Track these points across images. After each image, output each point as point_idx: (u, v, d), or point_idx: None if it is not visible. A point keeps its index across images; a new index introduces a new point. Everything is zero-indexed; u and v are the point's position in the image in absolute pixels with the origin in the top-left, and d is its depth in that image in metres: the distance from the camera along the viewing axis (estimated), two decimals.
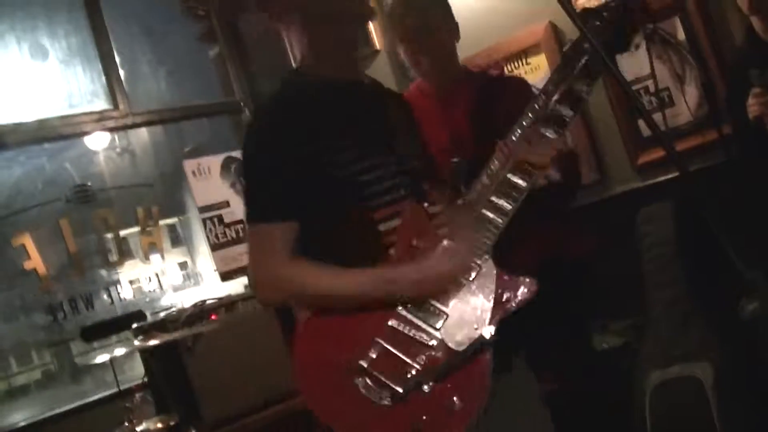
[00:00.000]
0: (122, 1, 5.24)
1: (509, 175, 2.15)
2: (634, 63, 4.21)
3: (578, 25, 2.04)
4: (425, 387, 1.96)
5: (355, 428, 1.98)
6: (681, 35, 4.12)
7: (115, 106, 5.06)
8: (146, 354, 3.92)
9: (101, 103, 5.07)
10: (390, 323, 2.03)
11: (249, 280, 2.22)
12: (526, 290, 2.08)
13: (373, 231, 2.14)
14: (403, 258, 2.13)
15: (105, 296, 5.09)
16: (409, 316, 2.04)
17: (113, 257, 5.09)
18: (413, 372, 1.98)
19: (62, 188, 5.06)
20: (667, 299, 3.89)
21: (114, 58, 5.10)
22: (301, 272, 2.10)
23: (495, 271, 2.08)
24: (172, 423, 3.55)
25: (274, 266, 2.10)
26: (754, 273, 2.41)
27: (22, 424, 4.39)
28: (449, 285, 2.06)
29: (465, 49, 4.64)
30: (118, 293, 5.13)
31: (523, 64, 4.52)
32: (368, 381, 1.97)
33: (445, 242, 2.12)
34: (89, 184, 5.10)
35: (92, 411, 4.46)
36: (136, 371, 4.42)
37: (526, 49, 4.49)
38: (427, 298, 2.06)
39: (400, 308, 2.05)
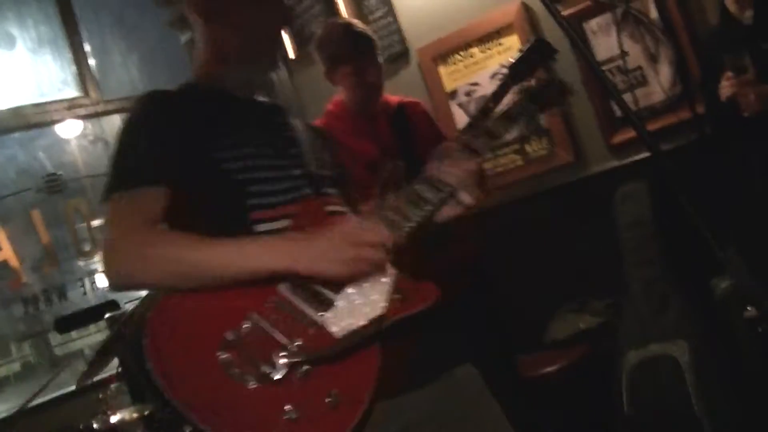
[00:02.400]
0: None
1: (417, 187, 2.13)
2: (607, 42, 4.21)
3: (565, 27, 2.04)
4: (297, 370, 1.72)
5: (217, 414, 1.62)
6: (654, 14, 4.11)
7: (86, 94, 5.01)
8: (119, 344, 3.87)
9: (72, 91, 5.03)
10: (269, 300, 1.81)
11: (103, 256, 1.87)
12: (425, 297, 1.94)
13: (250, 233, 1.95)
14: None
15: (80, 287, 5.04)
16: (291, 297, 1.84)
17: (87, 247, 5.04)
18: (284, 353, 1.73)
19: (35, 178, 5.01)
20: (644, 279, 3.90)
21: (83, 45, 5.06)
22: (172, 243, 1.86)
23: (394, 273, 1.94)
24: (146, 413, 3.52)
25: (134, 235, 1.85)
26: (727, 252, 2.42)
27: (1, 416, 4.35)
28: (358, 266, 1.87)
29: (437, 31, 4.66)
30: (93, 284, 5.08)
31: (495, 44, 4.50)
32: (234, 357, 1.69)
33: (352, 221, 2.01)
34: (61, 173, 5.05)
35: (69, 402, 4.42)
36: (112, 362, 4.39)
37: (499, 29, 4.46)
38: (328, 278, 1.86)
39: (281, 288, 1.84)
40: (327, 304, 1.84)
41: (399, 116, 3.57)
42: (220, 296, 1.79)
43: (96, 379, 3.72)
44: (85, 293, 5.00)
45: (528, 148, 4.52)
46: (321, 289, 1.86)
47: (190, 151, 1.96)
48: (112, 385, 3.81)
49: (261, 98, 2.25)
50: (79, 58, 5.04)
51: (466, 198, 2.16)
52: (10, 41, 4.98)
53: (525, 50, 3.33)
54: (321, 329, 1.80)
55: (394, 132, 3.52)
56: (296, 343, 1.75)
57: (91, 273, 5.11)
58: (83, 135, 5.44)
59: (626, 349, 3.85)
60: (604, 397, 3.87)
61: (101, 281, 5.10)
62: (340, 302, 1.86)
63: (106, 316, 3.89)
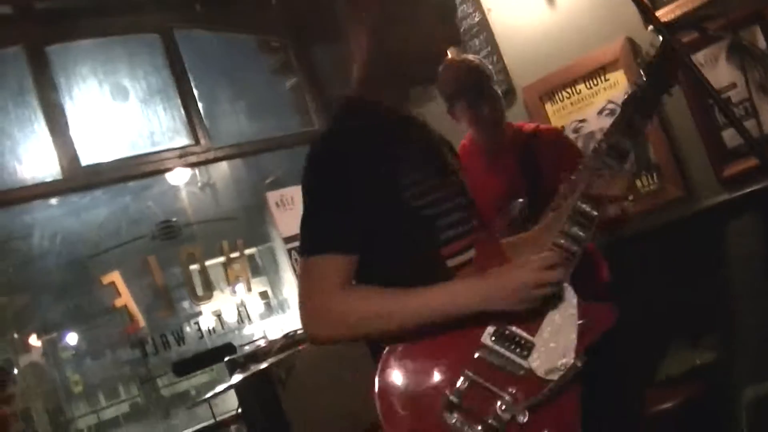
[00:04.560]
0: (199, 39, 5.31)
1: (580, 204, 2.10)
2: (714, 75, 4.16)
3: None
4: (520, 418, 1.88)
5: None
6: (762, 44, 4.06)
7: (197, 142, 5.11)
8: (240, 386, 3.94)
9: (182, 140, 5.12)
10: (476, 355, 1.93)
11: (300, 317, 1.97)
12: (606, 317, 2.04)
13: (443, 267, 2.02)
14: None
15: (188, 329, 5.13)
16: (496, 347, 1.95)
17: (200, 291, 5.12)
18: (505, 404, 1.89)
19: (147, 225, 5.13)
20: (757, 313, 3.84)
21: (193, 95, 5.17)
22: (362, 298, 1.94)
23: (575, 299, 2.01)
24: None
25: (328, 298, 1.91)
26: None
27: None
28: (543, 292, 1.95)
29: (542, 69, 4.66)
30: (202, 326, 5.15)
31: (601, 80, 4.49)
32: (458, 415, 1.86)
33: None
34: (175, 219, 5.16)
35: None
36: (228, 404, 4.45)
37: (605, 65, 4.45)
38: (519, 311, 1.94)
39: (485, 338, 1.95)
40: (528, 348, 1.95)
41: (527, 147, 3.58)
42: (432, 354, 1.91)
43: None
44: (202, 336, 5.09)
45: (638, 183, 4.49)
46: (520, 332, 1.97)
47: (379, 196, 1.98)
48: (233, 426, 3.87)
49: (412, 114, 2.22)
50: (189, 107, 5.14)
51: (614, 209, 2.16)
52: (124, 93, 5.11)
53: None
54: (530, 375, 1.93)
55: (520, 166, 3.52)
56: (512, 393, 1.90)
57: (199, 314, 5.21)
58: (192, 182, 5.56)
59: (743, 385, 3.79)
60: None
61: (209, 322, 5.17)
62: (539, 344, 1.96)
63: (226, 359, 3.96)
